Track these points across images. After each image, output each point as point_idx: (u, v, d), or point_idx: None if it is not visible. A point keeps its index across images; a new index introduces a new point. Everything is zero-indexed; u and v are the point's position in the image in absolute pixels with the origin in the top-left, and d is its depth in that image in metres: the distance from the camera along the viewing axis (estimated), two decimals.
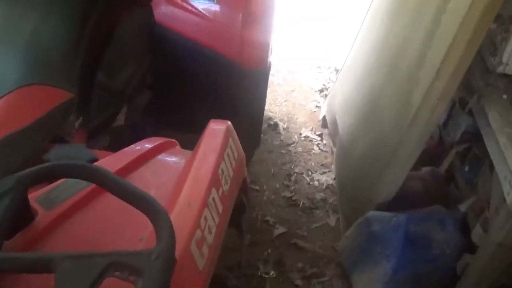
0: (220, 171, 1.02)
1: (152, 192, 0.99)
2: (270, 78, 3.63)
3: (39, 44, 1.40)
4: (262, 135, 3.04)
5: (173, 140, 1.28)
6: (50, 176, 0.79)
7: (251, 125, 2.29)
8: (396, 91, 2.21)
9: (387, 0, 2.59)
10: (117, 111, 1.87)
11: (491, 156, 1.79)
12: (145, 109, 2.08)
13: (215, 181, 0.98)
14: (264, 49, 2.07)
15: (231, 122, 2.16)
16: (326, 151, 3.00)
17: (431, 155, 2.42)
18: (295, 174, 2.84)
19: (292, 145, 3.04)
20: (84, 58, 1.55)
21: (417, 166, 2.26)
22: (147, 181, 1.05)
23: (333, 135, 2.92)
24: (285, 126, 3.20)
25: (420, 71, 2.00)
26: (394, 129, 2.14)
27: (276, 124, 3.19)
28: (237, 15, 1.98)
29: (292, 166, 2.88)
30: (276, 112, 3.33)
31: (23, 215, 0.79)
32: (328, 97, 3.27)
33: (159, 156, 1.18)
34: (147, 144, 1.21)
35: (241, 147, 1.25)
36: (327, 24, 4.55)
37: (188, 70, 2.09)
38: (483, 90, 1.91)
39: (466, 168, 2.19)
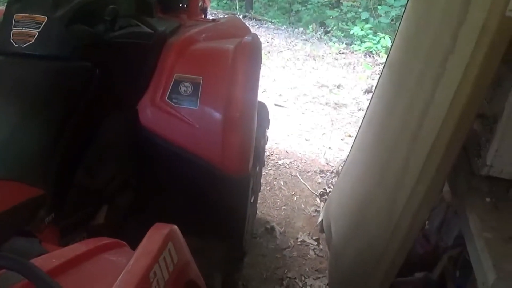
0: (152, 274, 1.04)
1: None
2: (272, 182, 3.72)
3: (14, 141, 1.47)
4: (257, 239, 3.06)
5: (121, 241, 1.31)
6: None
7: (232, 231, 2.30)
8: (383, 198, 2.21)
9: (381, 104, 2.65)
10: (95, 210, 1.91)
11: (471, 261, 1.75)
12: (127, 209, 2.12)
13: (143, 283, 1.01)
14: (245, 155, 2.09)
15: (213, 227, 2.21)
16: (321, 256, 2.98)
17: (427, 260, 2.40)
18: (288, 278, 2.80)
19: (287, 250, 3.03)
20: (62, 157, 1.61)
21: (412, 271, 2.25)
22: (85, 279, 1.08)
23: (328, 240, 2.92)
24: (282, 230, 3.20)
25: (404, 176, 2.01)
26: (379, 236, 2.12)
27: (272, 228, 3.19)
28: (218, 120, 2.02)
29: (286, 271, 2.85)
30: (274, 216, 3.34)
31: None
32: (326, 202, 3.29)
33: (103, 255, 1.20)
34: (93, 243, 1.24)
35: (185, 251, 1.27)
36: (334, 126, 4.65)
37: (172, 174, 2.12)
38: (465, 193, 1.91)
39: (457, 274, 2.16)
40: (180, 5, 2.59)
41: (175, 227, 1.24)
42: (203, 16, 2.85)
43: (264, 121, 2.68)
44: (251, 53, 2.09)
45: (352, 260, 2.41)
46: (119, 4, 1.92)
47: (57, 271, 1.02)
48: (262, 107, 2.68)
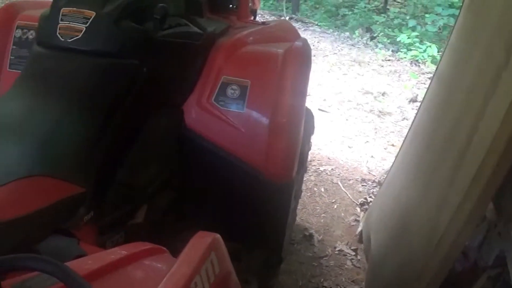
0: (192, 285, 1.01)
1: None
2: (313, 188, 3.68)
3: (55, 138, 1.44)
4: (295, 245, 3.03)
5: (163, 247, 1.29)
6: (10, 266, 0.81)
7: (272, 236, 2.27)
8: (426, 211, 2.17)
9: (428, 117, 2.59)
10: (135, 209, 1.90)
11: None
12: (167, 209, 2.10)
13: None
14: (289, 163, 2.05)
15: (253, 233, 2.18)
16: (359, 267, 2.93)
17: (464, 278, 2.34)
18: None
19: (325, 258, 2.99)
20: (105, 156, 1.60)
21: None
22: (123, 284, 1.06)
23: (367, 251, 2.87)
24: (320, 238, 3.16)
25: (450, 192, 1.96)
26: (420, 251, 2.08)
27: (311, 236, 3.15)
28: (264, 125, 1.99)
29: (322, 280, 2.81)
30: (313, 223, 3.30)
31: None
32: (367, 212, 3.24)
33: (144, 261, 1.18)
34: (134, 248, 1.22)
35: (227, 261, 1.24)
36: (378, 135, 4.59)
37: (213, 176, 2.10)
38: (511, 214, 1.85)
39: None
40: (230, 6, 2.56)
41: (218, 236, 1.21)
42: (252, 18, 2.81)
43: (309, 127, 2.64)
44: (301, 59, 2.05)
45: (391, 274, 2.36)
46: (169, 3, 1.89)
47: (95, 275, 1.01)
48: (308, 113, 2.64)
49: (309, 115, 2.66)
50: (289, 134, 2.02)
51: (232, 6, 2.56)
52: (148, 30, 1.77)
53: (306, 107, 2.48)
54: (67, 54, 1.70)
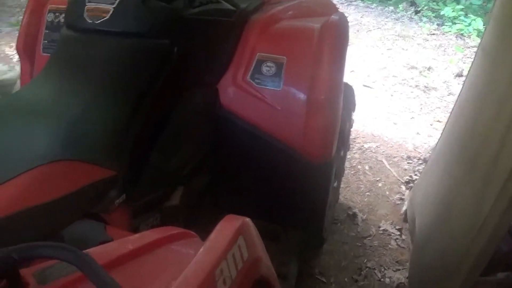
0: (218, 271, 0.97)
1: (153, 283, 0.97)
2: (357, 166, 3.61)
3: (85, 121, 1.41)
4: (338, 225, 2.98)
5: (191, 232, 1.24)
6: (28, 255, 0.79)
7: (311, 217, 2.21)
8: (470, 192, 2.09)
9: (473, 92, 2.49)
10: (170, 191, 1.86)
11: None
12: (203, 191, 2.07)
13: (208, 281, 0.93)
14: (327, 141, 1.99)
15: (291, 214, 2.13)
16: (403, 247, 2.86)
17: (511, 259, 2.26)
18: (367, 269, 2.70)
19: (368, 238, 2.92)
20: (136, 137, 1.56)
21: (495, 270, 2.13)
22: (147, 270, 1.03)
23: (412, 231, 2.79)
24: (364, 217, 3.09)
25: (494, 171, 1.88)
26: (464, 233, 2.01)
27: (354, 215, 3.09)
28: (302, 102, 1.93)
29: (365, 260, 2.74)
30: (357, 202, 3.23)
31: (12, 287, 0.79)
32: (411, 191, 3.15)
33: (170, 246, 1.15)
34: (161, 232, 1.19)
35: (257, 246, 1.18)
36: (423, 110, 4.48)
37: (250, 157, 2.06)
38: None
39: None
40: None
41: (248, 220, 1.15)
42: None
43: (350, 104, 2.56)
44: (337, 33, 1.98)
45: (434, 256, 2.29)
46: None
47: (117, 262, 0.98)
48: (348, 89, 2.57)
49: (350, 91, 2.59)
50: (327, 112, 1.95)
51: None
52: (177, 9, 1.72)
53: (346, 83, 2.42)
54: (95, 36, 1.66)
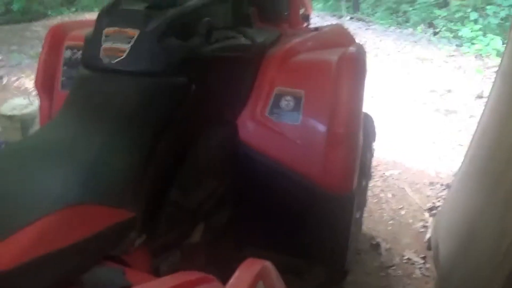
0: None
1: None
2: (379, 194, 3.58)
3: (102, 163, 1.41)
4: (361, 255, 2.94)
5: (211, 276, 1.23)
6: None
7: (334, 251, 2.19)
8: (493, 217, 2.06)
9: (495, 116, 2.47)
10: (190, 229, 1.85)
11: None
12: (224, 228, 2.06)
13: None
14: (348, 174, 1.97)
15: (313, 247, 2.11)
16: (428, 276, 2.81)
17: None
18: None
19: (392, 268, 2.88)
20: (154, 176, 1.55)
21: None
22: None
23: (436, 258, 2.75)
24: (387, 246, 3.05)
25: None
26: (488, 260, 1.98)
27: (378, 244, 3.05)
28: (321, 136, 1.92)
29: None
30: (380, 231, 3.19)
31: None
32: (435, 217, 3.12)
33: None
34: (180, 278, 1.18)
35: None
36: (445, 134, 4.44)
37: (270, 190, 2.04)
38: None
39: None
40: (280, 13, 2.50)
41: (268, 264, 1.14)
42: (305, 24, 2.74)
43: (370, 134, 2.55)
44: (355, 65, 1.96)
45: (459, 283, 2.26)
46: (215, 16, 1.85)
47: None
48: (368, 119, 2.55)
49: (369, 121, 2.58)
50: (347, 145, 1.94)
51: (283, 13, 2.50)
52: (194, 46, 1.72)
53: (366, 113, 2.40)
54: (112, 76, 1.66)
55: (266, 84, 2.01)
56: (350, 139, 1.94)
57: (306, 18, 2.78)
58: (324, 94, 1.93)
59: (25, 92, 5.16)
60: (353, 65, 1.95)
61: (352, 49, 2.00)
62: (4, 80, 5.99)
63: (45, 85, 2.23)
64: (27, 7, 10.18)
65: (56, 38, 2.27)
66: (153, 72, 1.66)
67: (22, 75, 5.90)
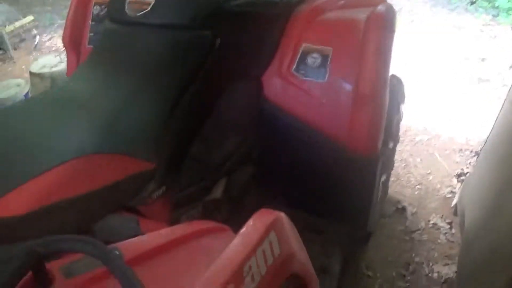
0: (246, 267, 0.96)
1: (179, 278, 0.97)
2: (407, 159, 3.55)
3: (124, 114, 1.42)
4: (386, 219, 2.93)
5: (224, 225, 1.24)
6: (57, 248, 0.80)
7: (356, 212, 2.18)
8: None
9: None
10: (212, 184, 1.86)
11: None
12: (246, 184, 2.06)
13: (235, 277, 0.92)
14: (373, 135, 1.95)
15: (336, 207, 2.11)
16: (453, 242, 2.79)
17: None
18: (415, 263, 2.65)
19: (417, 232, 2.87)
20: (177, 130, 1.57)
21: None
22: (175, 265, 1.02)
23: (462, 225, 2.73)
24: (413, 211, 3.03)
25: None
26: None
27: (404, 208, 3.04)
28: (347, 95, 1.90)
29: (413, 255, 2.70)
30: (406, 196, 3.17)
31: (38, 281, 0.80)
32: (463, 184, 3.09)
33: (202, 240, 1.14)
34: (193, 226, 1.18)
35: (291, 242, 1.16)
36: (477, 102, 4.38)
37: (294, 149, 2.05)
38: None
39: None
40: None
41: (282, 214, 1.14)
42: None
43: (398, 96, 2.51)
44: (384, 24, 1.93)
45: (483, 250, 2.23)
46: None
47: (145, 256, 0.98)
48: (397, 81, 2.52)
49: (398, 83, 2.54)
50: (372, 105, 1.91)
51: None
52: (219, 1, 1.71)
53: (394, 75, 2.38)
54: (137, 29, 1.67)
55: (293, 41, 2.00)
56: (376, 100, 1.92)
57: None
58: (351, 53, 1.91)
59: (56, 51, 5.19)
60: (381, 24, 1.92)
61: (380, 8, 1.96)
62: (36, 40, 6.03)
63: (72, 40, 2.24)
64: None
65: None
66: (178, 25, 1.66)
67: (55, 34, 5.94)
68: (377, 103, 1.93)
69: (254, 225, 1.06)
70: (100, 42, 1.78)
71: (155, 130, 1.47)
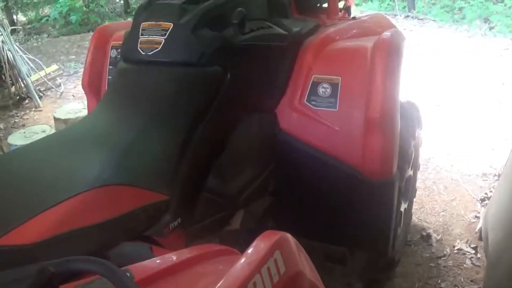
0: (250, 284, 0.97)
1: None
2: (431, 186, 3.54)
3: (137, 149, 1.48)
4: (412, 247, 2.92)
5: (233, 248, 1.26)
6: (68, 268, 0.84)
7: (376, 238, 2.18)
8: None
9: None
10: (229, 216, 1.88)
11: None
12: (264, 215, 2.08)
13: None
14: (387, 158, 1.96)
15: (354, 234, 2.11)
16: (478, 266, 2.76)
17: None
18: None
19: (443, 258, 2.84)
20: (191, 162, 1.60)
21: None
22: (183, 285, 1.04)
23: (486, 248, 2.70)
24: (438, 237, 3.01)
25: None
26: None
27: (429, 236, 3.01)
28: (359, 121, 1.93)
29: (439, 281, 2.67)
30: (431, 223, 3.16)
31: None
32: (486, 207, 3.06)
33: (209, 262, 1.16)
34: (201, 249, 1.20)
35: (298, 261, 1.17)
36: (498, 126, 4.36)
37: (310, 177, 2.07)
38: None
39: None
40: (318, 4, 2.52)
41: (287, 235, 1.15)
42: (346, 16, 2.75)
43: (413, 121, 2.52)
44: (390, 50, 1.95)
45: (506, 274, 2.21)
46: (250, 7, 1.88)
47: (155, 277, 1.00)
48: (411, 106, 2.54)
49: (413, 108, 2.55)
50: (384, 129, 1.93)
51: (321, 4, 2.52)
52: (227, 36, 1.76)
53: (409, 100, 2.39)
54: (149, 67, 1.74)
55: (304, 72, 2.04)
56: (386, 123, 1.93)
57: (348, 9, 2.79)
58: (360, 80, 1.94)
59: (81, 99, 5.30)
60: (388, 50, 1.94)
61: (386, 34, 1.99)
62: (62, 88, 6.16)
63: (91, 84, 2.31)
64: (85, 19, 10.46)
65: (102, 38, 2.35)
66: (188, 62, 1.72)
67: (79, 83, 6.07)
68: (387, 126, 1.94)
69: (259, 245, 1.08)
70: (114, 81, 1.84)
71: (167, 163, 1.51)
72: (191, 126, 1.62)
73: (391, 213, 2.11)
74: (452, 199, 3.42)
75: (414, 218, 3.13)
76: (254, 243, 1.08)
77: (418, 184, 3.21)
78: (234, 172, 1.88)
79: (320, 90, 1.99)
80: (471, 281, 2.67)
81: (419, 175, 3.16)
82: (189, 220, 1.61)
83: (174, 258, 1.10)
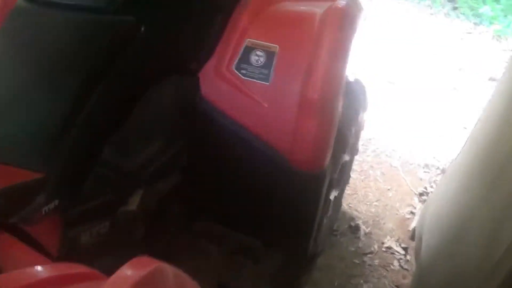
0: None
1: None
2: (368, 171, 3.30)
3: (13, 111, 1.22)
4: (337, 237, 2.69)
5: (100, 273, 0.96)
6: None
7: (296, 236, 1.93)
8: (487, 220, 1.81)
9: (501, 105, 2.17)
10: (125, 196, 1.58)
11: None
12: (169, 195, 1.79)
13: None
14: (321, 148, 1.70)
15: (270, 227, 1.86)
16: (406, 269, 2.56)
17: None
18: None
19: (369, 255, 2.63)
20: (82, 132, 1.30)
21: None
22: None
23: (418, 251, 2.49)
24: (367, 230, 2.79)
25: None
26: (477, 267, 1.75)
27: (357, 227, 2.79)
28: (293, 101, 1.65)
29: (361, 281, 2.46)
30: (362, 213, 2.92)
31: None
32: (424, 206, 2.85)
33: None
34: (61, 269, 0.92)
35: None
36: (449, 114, 4.14)
37: (230, 158, 1.80)
38: None
39: None
40: None
41: (165, 266, 0.87)
42: None
43: (358, 103, 2.24)
44: (343, 20, 1.68)
45: (439, 284, 2.02)
46: None
47: None
48: (358, 87, 2.25)
49: (359, 89, 2.27)
50: (321, 114, 1.65)
51: None
52: None
53: (357, 79, 2.14)
54: (48, 9, 1.43)
55: (237, 34, 1.75)
56: (326, 107, 1.66)
57: None
58: (301, 52, 1.66)
59: None
60: (340, 19, 1.67)
61: (341, 1, 1.70)
62: None
63: None
64: None
65: None
66: (94, 8, 1.43)
67: None
68: (326, 111, 1.67)
69: (125, 275, 0.80)
70: (6, 22, 1.51)
71: (50, 133, 1.23)
72: (86, 86, 1.31)
73: (316, 210, 1.86)
74: (388, 189, 3.19)
75: (344, 205, 2.91)
76: (120, 271, 0.81)
77: (354, 166, 2.96)
78: (139, 143, 1.59)
79: (253, 58, 1.70)
80: (396, 286, 2.46)
81: (356, 156, 2.91)
82: (70, 202, 1.31)
83: (22, 278, 0.82)
